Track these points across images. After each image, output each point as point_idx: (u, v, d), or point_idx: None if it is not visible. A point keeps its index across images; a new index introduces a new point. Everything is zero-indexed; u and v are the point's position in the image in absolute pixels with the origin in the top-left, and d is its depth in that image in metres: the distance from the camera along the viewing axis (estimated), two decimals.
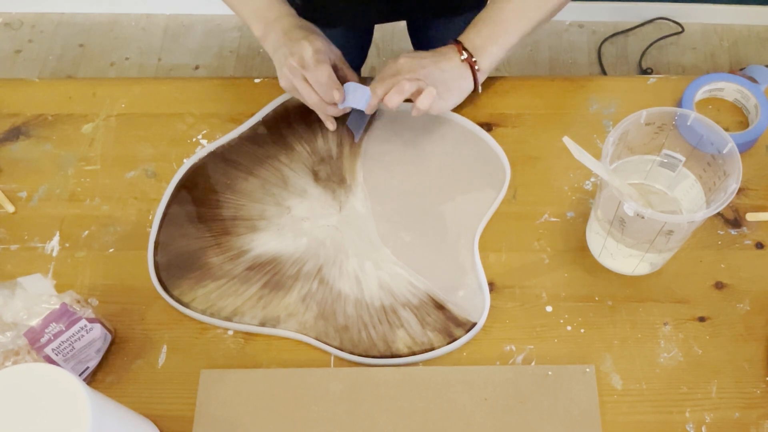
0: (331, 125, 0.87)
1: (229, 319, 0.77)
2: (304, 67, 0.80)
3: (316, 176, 0.86)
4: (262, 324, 0.76)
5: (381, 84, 0.81)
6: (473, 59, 0.83)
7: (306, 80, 0.81)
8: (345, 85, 0.83)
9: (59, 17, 2.12)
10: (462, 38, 0.85)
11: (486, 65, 0.84)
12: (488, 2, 0.86)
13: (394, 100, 0.79)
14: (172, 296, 0.78)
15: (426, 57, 0.83)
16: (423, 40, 1.18)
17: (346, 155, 0.87)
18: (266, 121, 0.90)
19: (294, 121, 0.90)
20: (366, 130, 0.89)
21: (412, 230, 0.82)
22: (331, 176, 0.86)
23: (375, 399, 0.72)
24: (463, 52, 0.83)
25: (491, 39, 0.84)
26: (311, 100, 0.82)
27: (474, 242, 0.81)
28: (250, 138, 0.89)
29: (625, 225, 0.70)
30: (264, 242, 0.81)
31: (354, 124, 0.88)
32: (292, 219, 0.83)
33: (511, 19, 0.84)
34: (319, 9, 1.02)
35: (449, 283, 0.78)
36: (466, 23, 0.88)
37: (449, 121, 0.89)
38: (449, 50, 0.84)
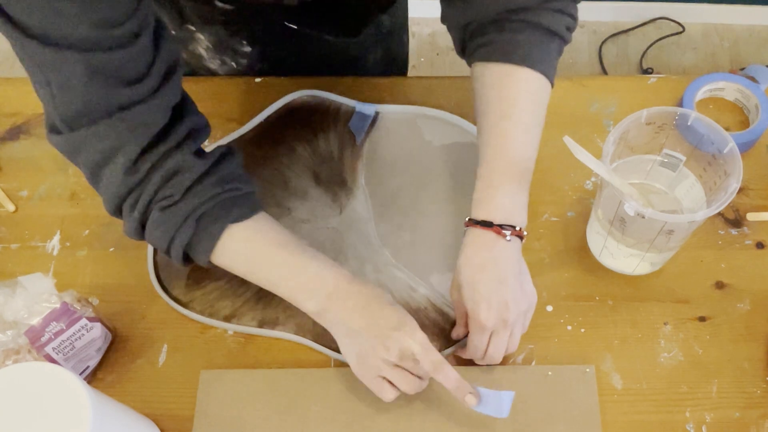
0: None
1: (227, 320, 0.77)
2: (409, 360, 0.66)
3: (317, 178, 0.85)
4: (261, 325, 0.76)
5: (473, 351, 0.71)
6: (516, 229, 0.69)
7: (407, 371, 0.67)
8: (479, 390, 0.68)
9: None
10: (480, 213, 0.70)
11: (524, 217, 0.71)
12: (480, 156, 0.72)
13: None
14: (171, 296, 0.78)
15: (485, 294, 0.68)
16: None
17: (347, 157, 0.87)
18: (269, 123, 0.90)
19: (296, 122, 0.89)
20: (368, 132, 0.89)
21: (413, 232, 0.82)
22: (332, 178, 0.85)
23: (375, 399, 0.72)
24: (502, 230, 0.69)
25: (510, 192, 0.70)
26: (413, 387, 0.67)
27: None
28: (252, 140, 0.89)
29: (626, 224, 0.70)
30: None
31: (356, 127, 0.88)
32: (293, 221, 0.83)
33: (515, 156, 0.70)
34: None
35: (448, 285, 0.78)
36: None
37: (450, 123, 0.89)
38: (486, 239, 0.69)
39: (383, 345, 0.65)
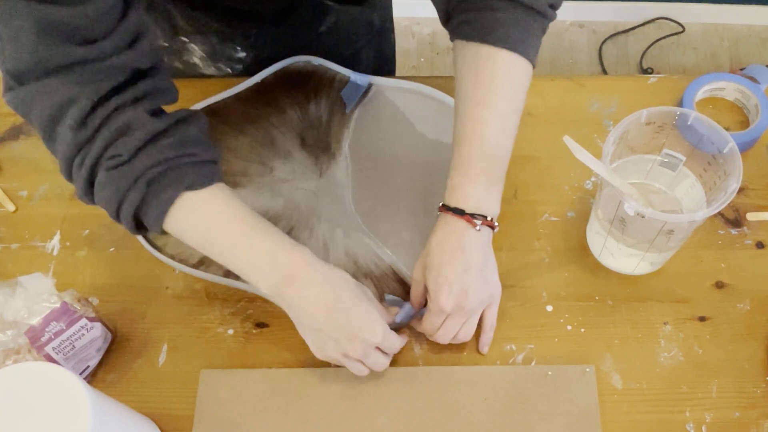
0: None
1: (196, 267, 0.78)
2: (370, 351, 0.69)
3: (303, 141, 0.87)
4: (227, 275, 0.78)
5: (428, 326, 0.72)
6: (487, 219, 0.69)
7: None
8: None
9: None
10: (453, 200, 0.69)
11: (497, 207, 0.70)
12: (454, 145, 0.71)
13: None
14: (146, 239, 0.80)
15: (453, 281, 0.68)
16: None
17: (335, 124, 0.88)
18: (264, 84, 0.91)
19: (291, 86, 0.91)
20: (359, 103, 0.90)
21: (389, 204, 0.83)
22: (317, 142, 0.87)
23: (375, 399, 0.72)
24: (473, 219, 0.68)
25: (485, 180, 0.69)
26: (363, 372, 0.71)
27: None
28: (245, 98, 0.90)
29: (626, 224, 0.70)
30: (241, 198, 0.82)
31: (348, 95, 0.88)
32: (273, 179, 0.84)
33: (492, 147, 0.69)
34: None
35: (413, 257, 0.78)
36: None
37: (440, 102, 0.89)
38: (456, 227, 0.69)
39: (348, 342, 0.67)
